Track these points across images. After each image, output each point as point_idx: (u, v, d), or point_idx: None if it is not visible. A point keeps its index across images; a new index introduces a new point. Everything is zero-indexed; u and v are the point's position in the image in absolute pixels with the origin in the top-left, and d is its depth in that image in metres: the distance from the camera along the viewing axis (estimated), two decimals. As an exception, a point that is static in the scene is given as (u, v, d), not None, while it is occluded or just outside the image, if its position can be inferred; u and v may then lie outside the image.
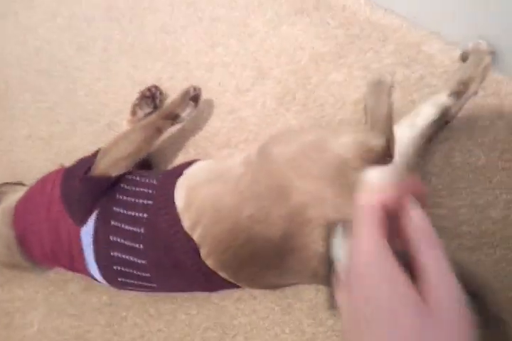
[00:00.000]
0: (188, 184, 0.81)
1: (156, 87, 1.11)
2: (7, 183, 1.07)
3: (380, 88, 0.83)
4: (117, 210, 0.81)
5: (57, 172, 0.94)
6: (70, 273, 1.01)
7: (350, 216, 0.70)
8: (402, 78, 0.93)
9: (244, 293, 0.87)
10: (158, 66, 1.18)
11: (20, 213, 0.92)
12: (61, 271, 1.01)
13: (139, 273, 0.80)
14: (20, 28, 1.42)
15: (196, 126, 1.06)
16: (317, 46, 1.04)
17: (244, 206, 0.73)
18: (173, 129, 1.05)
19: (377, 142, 0.73)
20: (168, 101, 1.10)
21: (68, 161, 1.13)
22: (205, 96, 1.08)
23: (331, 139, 0.75)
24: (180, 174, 0.84)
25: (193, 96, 0.95)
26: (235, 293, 0.88)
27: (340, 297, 0.43)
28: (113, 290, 0.95)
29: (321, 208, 0.70)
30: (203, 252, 0.75)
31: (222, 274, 0.77)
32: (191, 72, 1.13)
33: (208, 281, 0.79)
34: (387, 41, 0.98)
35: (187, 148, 1.05)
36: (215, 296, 0.89)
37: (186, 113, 0.94)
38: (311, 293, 0.82)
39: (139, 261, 0.79)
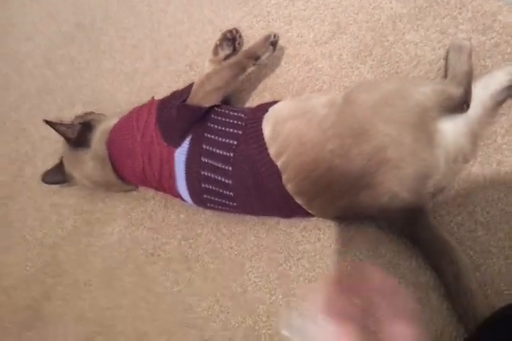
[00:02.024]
0: (275, 118, 0.83)
1: (237, 30, 1.10)
2: (93, 112, 1.08)
3: (461, 51, 0.84)
4: (209, 136, 0.84)
5: (150, 103, 0.95)
6: (151, 192, 1.04)
7: (424, 161, 0.73)
8: (477, 44, 0.90)
9: (310, 223, 0.89)
10: (239, 15, 1.15)
11: (116, 135, 0.94)
12: (144, 190, 1.04)
13: (224, 191, 0.83)
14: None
15: (273, 73, 1.05)
16: (396, 7, 1.01)
17: (328, 141, 0.75)
18: (252, 74, 1.05)
19: (456, 90, 0.75)
20: (247, 46, 1.09)
21: (150, 95, 1.15)
22: (283, 45, 1.07)
23: (412, 88, 0.76)
24: (266, 110, 0.86)
25: (272, 42, 0.94)
26: (302, 223, 0.89)
27: None
28: (191, 209, 0.98)
29: (399, 151, 0.71)
30: (284, 177, 0.78)
31: (298, 200, 0.79)
32: (270, 23, 1.10)
33: (285, 205, 0.81)
34: (465, 8, 0.95)
35: (263, 92, 1.04)
36: (283, 223, 0.91)
37: (266, 56, 0.94)
38: (372, 226, 0.85)
39: (226, 181, 0.82)
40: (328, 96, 0.82)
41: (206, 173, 0.83)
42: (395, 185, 0.72)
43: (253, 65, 0.94)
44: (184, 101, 0.88)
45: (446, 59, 0.87)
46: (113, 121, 0.98)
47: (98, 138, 0.96)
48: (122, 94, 1.20)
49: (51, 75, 1.32)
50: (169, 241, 0.98)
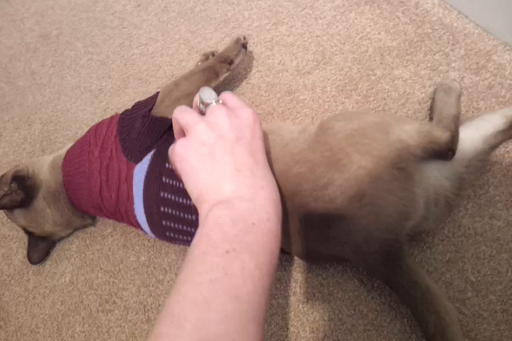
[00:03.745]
0: None
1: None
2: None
3: (450, 93, 0.76)
4: None
5: (111, 117, 0.86)
6: (109, 229, 0.93)
7: (402, 200, 0.64)
8: (469, 84, 0.85)
9: (285, 275, 0.80)
10: (218, 36, 1.07)
11: (71, 156, 0.84)
12: (101, 226, 0.93)
13: (185, 215, 0.72)
14: (79, -23, 1.29)
15: (252, 102, 0.96)
16: (385, 39, 0.94)
17: (295, 164, 0.67)
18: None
19: (441, 134, 0.67)
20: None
21: (116, 118, 1.05)
22: (263, 72, 0.99)
23: (395, 124, 0.68)
24: None
25: (243, 44, 0.90)
26: (276, 273, 0.81)
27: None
28: (152, 250, 0.88)
29: (374, 186, 0.63)
30: None
31: None
32: (251, 47, 1.02)
33: None
34: (458, 45, 0.89)
35: (240, 123, 0.96)
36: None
37: (239, 59, 0.89)
38: (354, 284, 0.76)
39: (188, 202, 0.71)
40: (301, 125, 0.76)
41: (166, 195, 0.73)
42: (370, 223, 0.64)
43: (227, 71, 0.88)
44: (149, 111, 0.79)
45: (432, 99, 0.81)
46: (66, 147, 0.89)
47: (49, 170, 0.86)
48: (85, 113, 1.09)
49: (9, 90, 1.21)
50: (127, 286, 0.87)
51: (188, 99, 0.80)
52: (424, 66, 0.89)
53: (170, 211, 0.73)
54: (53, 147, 1.08)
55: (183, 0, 1.16)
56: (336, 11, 1.01)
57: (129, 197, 0.76)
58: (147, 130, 0.77)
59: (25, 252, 0.96)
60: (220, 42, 1.06)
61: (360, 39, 0.96)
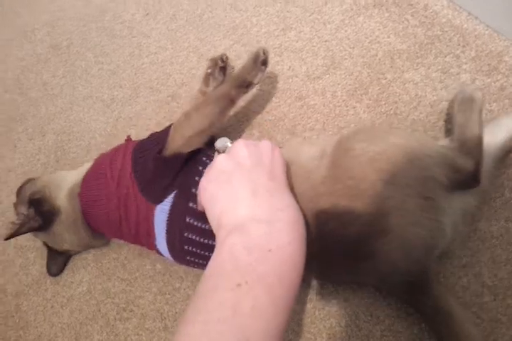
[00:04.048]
0: None
1: (227, 57, 0.97)
2: (29, 180, 0.93)
3: (472, 106, 0.72)
4: (195, 192, 0.71)
5: (125, 146, 0.83)
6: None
7: (430, 232, 0.62)
8: (481, 86, 0.84)
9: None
10: (227, 43, 1.08)
11: (88, 187, 0.81)
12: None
13: (210, 254, 0.72)
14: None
15: (262, 108, 0.97)
16: (394, 42, 0.94)
17: (319, 199, 0.64)
18: (239, 109, 0.97)
19: (466, 164, 0.64)
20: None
21: (128, 127, 1.07)
22: (273, 78, 0.99)
23: (420, 148, 0.64)
24: None
25: (263, 60, 0.79)
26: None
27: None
28: (167, 259, 0.89)
29: (402, 219, 0.60)
30: None
31: None
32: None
33: None
34: (468, 47, 0.89)
35: (251, 130, 0.95)
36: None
37: (257, 79, 0.79)
38: (370, 290, 0.76)
39: (212, 243, 0.71)
40: (318, 146, 0.71)
41: (190, 235, 0.72)
42: (399, 258, 0.62)
43: (244, 94, 0.80)
44: (160, 152, 0.74)
45: (451, 108, 0.78)
46: (82, 168, 0.87)
47: (67, 198, 0.84)
48: (98, 123, 1.10)
49: (22, 101, 1.22)
50: (143, 294, 0.88)
51: (201, 137, 0.76)
52: (435, 69, 0.89)
53: (194, 250, 0.73)
54: (67, 157, 1.09)
55: (191, 8, 1.17)
56: (345, 15, 1.01)
57: (150, 235, 0.76)
58: (161, 171, 0.74)
59: (42, 262, 0.97)
60: (229, 48, 1.06)
61: (369, 43, 0.96)
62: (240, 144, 0.60)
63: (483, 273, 0.73)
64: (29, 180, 0.91)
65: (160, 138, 0.77)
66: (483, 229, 0.75)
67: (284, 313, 0.44)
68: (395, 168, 0.62)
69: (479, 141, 0.67)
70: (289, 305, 0.45)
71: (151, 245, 0.78)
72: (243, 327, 0.40)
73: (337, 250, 0.65)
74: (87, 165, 0.86)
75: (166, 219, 0.73)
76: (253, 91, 0.96)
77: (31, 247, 1.01)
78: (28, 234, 0.86)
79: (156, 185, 0.74)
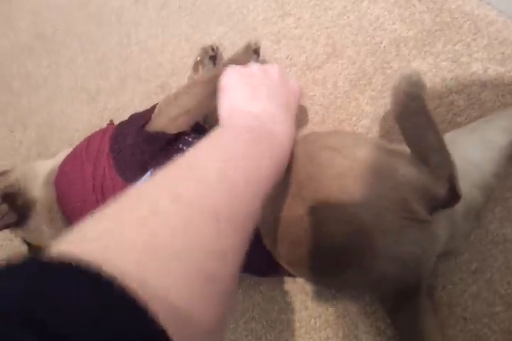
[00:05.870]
0: None
1: (218, 47, 0.96)
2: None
3: (419, 111, 0.56)
4: None
5: (105, 128, 0.81)
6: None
7: (422, 247, 0.55)
8: (494, 76, 0.80)
9: (295, 288, 0.76)
10: (221, 30, 1.03)
11: (63, 172, 0.78)
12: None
13: None
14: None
15: (258, 99, 0.92)
16: (400, 29, 0.89)
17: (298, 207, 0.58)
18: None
19: (440, 190, 0.55)
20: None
21: (114, 119, 1.02)
22: (270, 68, 0.95)
23: (393, 167, 0.56)
24: None
25: (255, 49, 0.82)
26: (285, 285, 0.76)
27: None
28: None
29: (385, 240, 0.55)
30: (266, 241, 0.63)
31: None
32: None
33: (265, 264, 0.66)
34: (480, 34, 0.84)
35: (245, 122, 0.91)
36: (263, 284, 0.78)
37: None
38: (371, 298, 0.71)
39: None
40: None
41: None
42: (386, 272, 0.57)
43: None
44: (144, 125, 0.72)
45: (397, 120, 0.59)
46: (60, 155, 0.83)
47: (43, 187, 0.80)
48: (82, 115, 1.06)
49: (5, 92, 1.18)
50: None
51: (187, 116, 0.73)
52: (444, 57, 0.84)
53: None
54: (50, 151, 1.05)
55: (183, -8, 1.12)
56: (347, 0, 0.96)
57: None
58: (141, 147, 0.71)
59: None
60: (223, 36, 1.02)
61: (373, 30, 0.91)
62: (277, 68, 0.66)
63: (495, 280, 0.68)
64: (3, 173, 0.87)
65: (143, 116, 0.75)
66: (495, 232, 0.70)
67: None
68: (366, 188, 0.55)
69: (450, 163, 0.55)
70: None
71: None
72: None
73: (324, 255, 0.59)
74: (66, 151, 0.83)
75: None
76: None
77: (7, 246, 0.97)
78: (4, 231, 0.81)
79: (132, 162, 0.71)
